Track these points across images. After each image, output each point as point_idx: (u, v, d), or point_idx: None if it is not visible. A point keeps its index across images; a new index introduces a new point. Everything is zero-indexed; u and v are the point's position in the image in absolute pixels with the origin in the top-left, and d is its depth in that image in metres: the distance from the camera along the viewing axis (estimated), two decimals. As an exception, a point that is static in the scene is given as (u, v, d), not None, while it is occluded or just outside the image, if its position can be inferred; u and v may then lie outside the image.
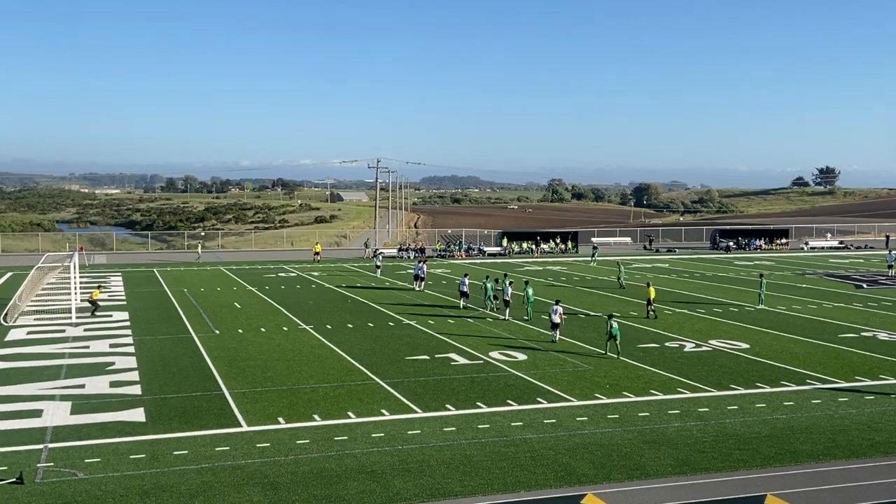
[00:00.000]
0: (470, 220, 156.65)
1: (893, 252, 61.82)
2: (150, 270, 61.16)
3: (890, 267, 59.23)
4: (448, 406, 22.73)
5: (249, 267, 64.23)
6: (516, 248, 78.82)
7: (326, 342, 32.33)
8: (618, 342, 29.39)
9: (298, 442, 19.53)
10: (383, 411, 22.25)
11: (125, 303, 43.49)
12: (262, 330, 35.18)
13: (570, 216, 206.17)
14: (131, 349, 30.83)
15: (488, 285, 41.34)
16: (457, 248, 78.30)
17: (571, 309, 40.31)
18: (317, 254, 70.45)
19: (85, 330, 35.01)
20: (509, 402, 23.24)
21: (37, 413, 21.97)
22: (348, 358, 29.23)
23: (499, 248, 78.71)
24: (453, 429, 20.64)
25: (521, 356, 29.50)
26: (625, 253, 79.97)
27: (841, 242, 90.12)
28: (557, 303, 33.57)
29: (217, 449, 18.98)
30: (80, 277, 43.96)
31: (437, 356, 29.48)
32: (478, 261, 71.65)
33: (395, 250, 77.25)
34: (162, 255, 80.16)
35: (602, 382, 25.57)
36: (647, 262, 69.15)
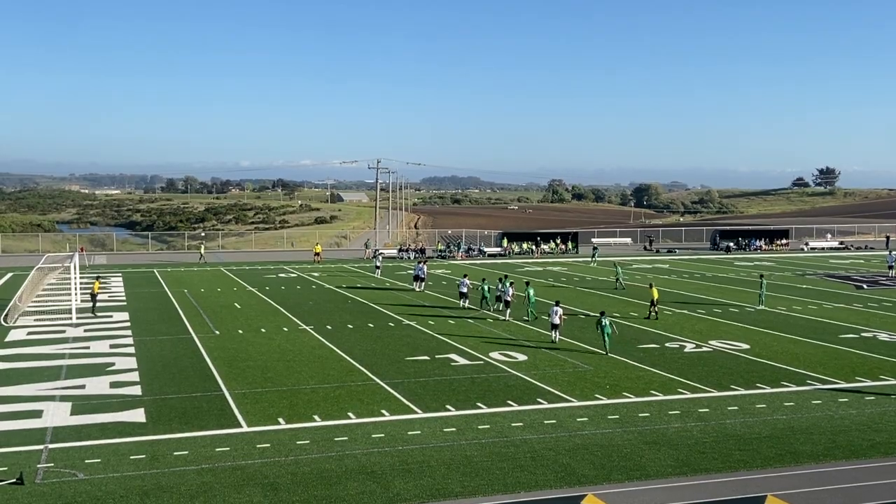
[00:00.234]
0: (470, 220, 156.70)
1: (893, 253, 61.78)
2: (151, 271, 61.21)
3: (890, 267, 59.21)
4: (448, 407, 22.73)
5: (249, 267, 64.26)
6: (516, 249, 78.83)
7: (326, 343, 32.33)
8: (606, 340, 29.54)
9: (298, 442, 19.53)
10: (383, 412, 22.25)
11: (125, 303, 43.51)
12: (263, 330, 35.19)
13: (570, 217, 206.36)
14: (131, 350, 30.84)
15: (485, 287, 41.35)
16: (456, 248, 78.31)
17: (572, 310, 40.33)
18: (317, 254, 70.44)
19: (85, 330, 35.02)
20: (509, 402, 23.25)
21: (37, 413, 21.97)
22: (348, 358, 29.24)
23: (499, 249, 78.74)
24: (453, 429, 20.64)
25: (522, 357, 29.51)
26: (625, 254, 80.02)
27: (841, 243, 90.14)
28: (557, 303, 33.58)
29: (217, 449, 18.98)
30: (81, 278, 43.97)
31: (437, 357, 29.48)
32: (478, 261, 71.67)
33: (395, 251, 77.30)
34: (162, 255, 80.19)
35: (602, 383, 25.58)
36: (648, 263, 69.16)
